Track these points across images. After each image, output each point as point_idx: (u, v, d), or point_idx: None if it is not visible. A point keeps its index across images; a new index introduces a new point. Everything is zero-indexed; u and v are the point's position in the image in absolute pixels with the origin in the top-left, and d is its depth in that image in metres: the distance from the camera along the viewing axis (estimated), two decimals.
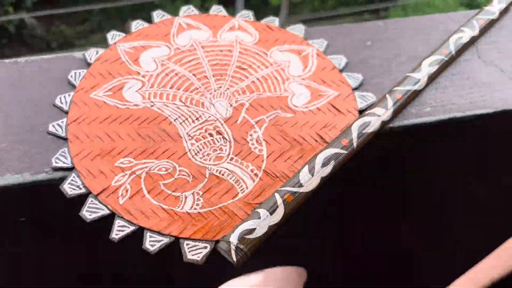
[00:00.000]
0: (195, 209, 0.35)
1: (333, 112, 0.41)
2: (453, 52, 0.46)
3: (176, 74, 0.42)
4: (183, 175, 0.37)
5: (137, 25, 0.46)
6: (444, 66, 0.45)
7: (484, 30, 0.49)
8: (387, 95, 0.41)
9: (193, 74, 0.42)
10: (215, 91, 0.42)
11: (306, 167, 0.37)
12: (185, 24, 0.46)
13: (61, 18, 5.57)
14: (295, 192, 0.35)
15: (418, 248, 0.67)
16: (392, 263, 0.68)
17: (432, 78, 0.44)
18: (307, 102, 0.42)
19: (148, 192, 0.36)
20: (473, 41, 0.48)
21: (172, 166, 0.37)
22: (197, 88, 0.42)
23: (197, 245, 0.34)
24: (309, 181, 0.36)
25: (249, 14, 0.48)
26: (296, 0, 6.01)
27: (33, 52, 5.41)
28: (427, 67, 0.44)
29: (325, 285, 0.69)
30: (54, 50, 5.54)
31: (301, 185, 0.36)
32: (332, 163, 0.37)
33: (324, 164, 0.37)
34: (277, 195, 0.35)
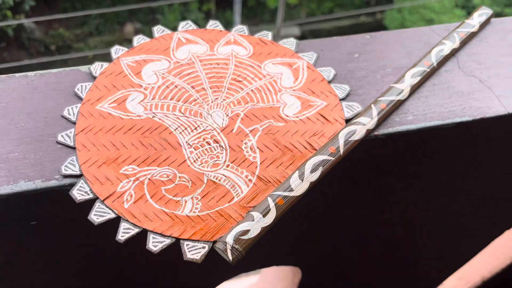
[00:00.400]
0: (194, 212, 0.38)
1: (322, 121, 0.44)
2: (435, 64, 0.49)
3: (176, 86, 0.46)
4: (183, 181, 0.40)
5: (138, 39, 0.49)
6: (426, 77, 0.49)
7: (464, 42, 0.52)
8: (372, 105, 0.45)
9: (192, 86, 0.46)
10: (212, 102, 0.45)
11: (296, 173, 0.40)
12: (184, 39, 0.50)
13: (60, 21, 5.59)
14: (286, 196, 0.39)
15: (406, 250, 0.70)
16: (381, 264, 0.71)
17: (414, 88, 0.47)
18: (298, 112, 0.45)
19: (151, 197, 0.39)
20: (453, 53, 0.51)
21: (173, 173, 0.40)
22: (196, 100, 0.45)
23: (196, 245, 0.37)
24: (299, 186, 0.39)
25: (243, 28, 0.51)
26: (293, 2, 6.05)
27: (32, 55, 5.43)
28: (410, 78, 0.47)
29: (318, 284, 0.72)
30: (53, 52, 5.55)
31: (291, 190, 0.39)
32: (320, 169, 0.40)
33: (313, 170, 0.40)
34: (269, 199, 0.38)
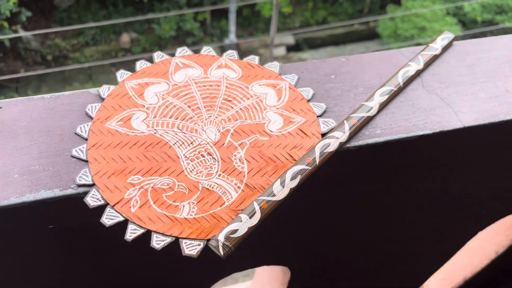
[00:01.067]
0: (191, 215, 0.45)
1: (301, 135, 0.51)
2: (401, 83, 0.56)
3: (174, 106, 0.52)
4: (181, 188, 0.46)
5: (141, 64, 0.56)
6: (393, 95, 0.56)
7: (428, 64, 0.60)
8: (344, 121, 0.52)
9: (188, 106, 0.52)
10: (206, 119, 0.52)
11: (278, 181, 0.47)
12: (181, 63, 0.56)
13: (56, 31, 5.65)
14: (269, 200, 0.45)
15: (387, 250, 0.76)
16: (364, 263, 0.77)
17: (382, 105, 0.54)
18: (280, 128, 0.52)
19: (154, 202, 0.45)
20: (418, 73, 0.58)
21: (172, 182, 0.47)
22: (191, 117, 0.52)
23: (193, 243, 0.43)
24: (280, 192, 0.46)
25: (233, 53, 0.58)
26: (287, 11, 6.14)
27: (29, 65, 5.48)
28: (379, 97, 0.54)
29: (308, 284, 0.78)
30: (49, 63, 5.61)
31: (274, 195, 0.46)
32: (299, 177, 0.47)
33: (292, 178, 0.47)
34: (255, 203, 0.45)
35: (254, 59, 0.58)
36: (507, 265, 1.11)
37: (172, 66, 0.56)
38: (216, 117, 0.52)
